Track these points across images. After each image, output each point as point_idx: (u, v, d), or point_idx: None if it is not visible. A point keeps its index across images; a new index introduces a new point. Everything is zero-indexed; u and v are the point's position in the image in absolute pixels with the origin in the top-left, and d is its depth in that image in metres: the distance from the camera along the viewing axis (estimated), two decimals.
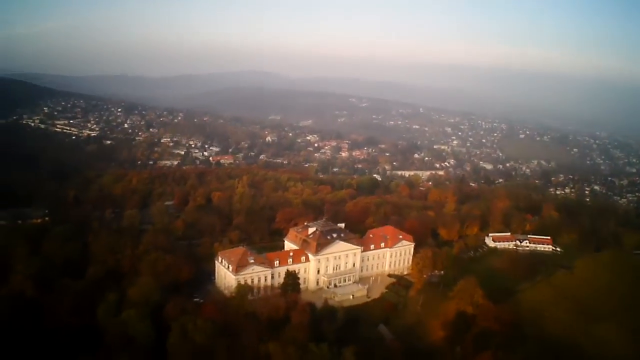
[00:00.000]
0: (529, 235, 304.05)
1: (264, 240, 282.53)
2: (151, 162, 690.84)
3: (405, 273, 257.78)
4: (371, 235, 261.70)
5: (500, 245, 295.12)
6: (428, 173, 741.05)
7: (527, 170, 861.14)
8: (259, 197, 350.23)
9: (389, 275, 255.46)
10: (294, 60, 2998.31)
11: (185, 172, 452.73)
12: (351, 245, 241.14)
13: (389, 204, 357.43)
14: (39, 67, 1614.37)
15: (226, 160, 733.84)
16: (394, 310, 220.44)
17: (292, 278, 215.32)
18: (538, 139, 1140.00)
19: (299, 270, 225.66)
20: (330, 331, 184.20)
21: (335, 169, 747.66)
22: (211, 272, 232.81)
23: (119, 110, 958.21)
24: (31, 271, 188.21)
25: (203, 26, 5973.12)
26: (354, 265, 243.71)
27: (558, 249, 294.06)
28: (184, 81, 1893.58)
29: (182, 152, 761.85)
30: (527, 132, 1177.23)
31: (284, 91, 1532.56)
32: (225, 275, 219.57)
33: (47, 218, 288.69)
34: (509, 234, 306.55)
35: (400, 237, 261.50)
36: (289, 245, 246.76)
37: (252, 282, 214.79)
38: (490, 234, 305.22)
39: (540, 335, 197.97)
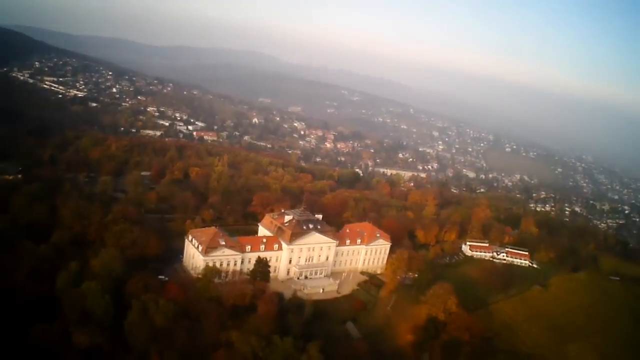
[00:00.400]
0: (506, 248, 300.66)
1: (238, 222, 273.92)
2: (134, 130, 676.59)
3: (379, 272, 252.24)
4: (348, 230, 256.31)
5: (477, 254, 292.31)
6: (410, 174, 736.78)
7: (509, 183, 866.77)
8: (237, 177, 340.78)
9: (362, 273, 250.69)
10: (292, 46, 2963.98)
11: (165, 144, 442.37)
12: (327, 238, 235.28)
13: (368, 200, 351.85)
14: (36, 20, 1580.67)
15: (210, 137, 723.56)
16: (363, 308, 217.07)
17: (262, 265, 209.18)
18: (524, 154, 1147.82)
19: (270, 258, 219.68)
20: (296, 324, 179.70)
21: (318, 159, 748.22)
22: (180, 250, 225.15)
23: (110, 73, 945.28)
24: None
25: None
26: (327, 258, 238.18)
27: (535, 265, 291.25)
28: (180, 52, 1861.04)
29: (167, 124, 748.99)
30: (514, 147, 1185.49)
31: (277, 75, 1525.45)
32: (194, 255, 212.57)
33: (19, 175, 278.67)
34: (487, 244, 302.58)
35: (378, 235, 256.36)
36: (262, 231, 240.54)
37: (221, 265, 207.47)
38: (468, 242, 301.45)
39: (511, 350, 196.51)
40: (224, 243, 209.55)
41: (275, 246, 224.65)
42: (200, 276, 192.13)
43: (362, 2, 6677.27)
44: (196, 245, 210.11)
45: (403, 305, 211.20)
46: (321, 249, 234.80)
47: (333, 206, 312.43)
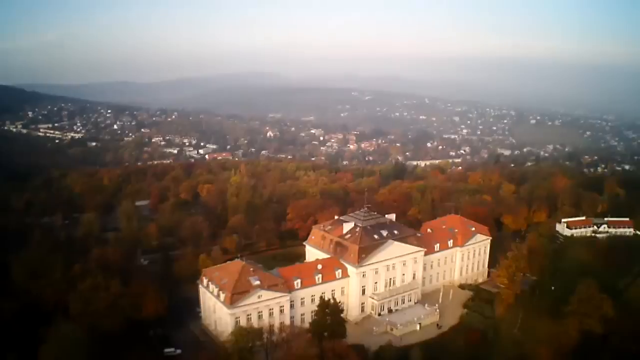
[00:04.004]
0: (606, 218, 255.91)
1: (273, 246, 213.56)
2: (139, 163, 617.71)
3: (480, 281, 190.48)
4: (429, 230, 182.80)
5: (577, 232, 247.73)
6: (445, 162, 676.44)
7: (545, 154, 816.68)
8: (261, 188, 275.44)
9: (461, 287, 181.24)
10: (291, 60, 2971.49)
11: (168, 166, 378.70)
12: (410, 246, 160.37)
13: (435, 188, 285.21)
14: (35, 78, 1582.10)
15: (224, 157, 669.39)
16: (483, 341, 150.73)
17: (330, 311, 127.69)
18: (549, 123, 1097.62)
19: (333, 291, 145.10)
20: None
21: (344, 162, 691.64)
22: (197, 301, 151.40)
23: (109, 112, 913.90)
24: None
25: (198, 30, 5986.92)
26: (414, 276, 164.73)
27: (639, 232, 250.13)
28: (182, 84, 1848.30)
29: (175, 151, 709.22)
30: (538, 118, 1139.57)
31: (283, 89, 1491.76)
32: (215, 308, 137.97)
33: None
34: (583, 218, 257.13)
35: (473, 229, 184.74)
36: (312, 252, 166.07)
37: (260, 317, 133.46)
38: (563, 220, 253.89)
39: None
40: (258, 282, 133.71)
41: (338, 272, 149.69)
42: (229, 344, 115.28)
43: (344, 6, 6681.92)
44: (216, 293, 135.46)
45: (534, 323, 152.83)
46: (404, 264, 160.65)
47: (392, 203, 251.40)
